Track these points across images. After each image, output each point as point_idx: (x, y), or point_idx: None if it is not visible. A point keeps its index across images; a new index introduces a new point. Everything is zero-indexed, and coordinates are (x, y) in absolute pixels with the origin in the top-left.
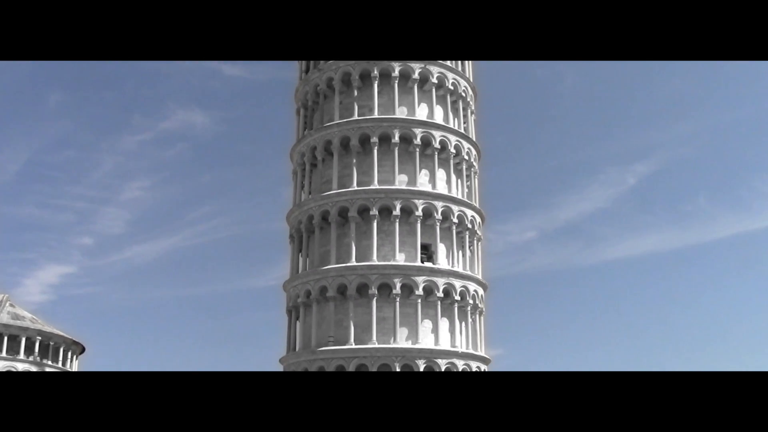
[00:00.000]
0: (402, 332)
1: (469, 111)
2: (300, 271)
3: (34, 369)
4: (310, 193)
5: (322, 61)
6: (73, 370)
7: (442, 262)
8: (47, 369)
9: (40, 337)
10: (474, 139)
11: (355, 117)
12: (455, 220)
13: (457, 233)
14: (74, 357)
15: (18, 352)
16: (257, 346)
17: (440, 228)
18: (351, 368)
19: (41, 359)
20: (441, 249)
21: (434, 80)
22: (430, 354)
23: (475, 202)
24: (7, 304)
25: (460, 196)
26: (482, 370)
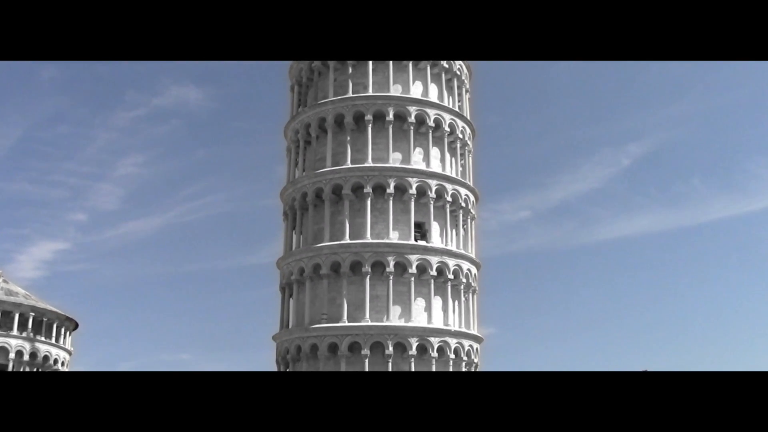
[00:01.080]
0: (395, 310)
1: (464, 89)
2: (293, 248)
3: (27, 345)
4: (304, 170)
5: None
6: (73, 371)
7: (435, 240)
8: (40, 345)
9: (33, 313)
10: (469, 118)
11: (350, 94)
12: (449, 198)
13: (451, 212)
14: (68, 333)
15: (11, 328)
16: (250, 323)
17: (434, 206)
18: (344, 346)
19: (34, 335)
20: (435, 227)
21: None
22: (423, 332)
23: (470, 180)
24: (0, 280)
25: (454, 175)
26: (475, 348)
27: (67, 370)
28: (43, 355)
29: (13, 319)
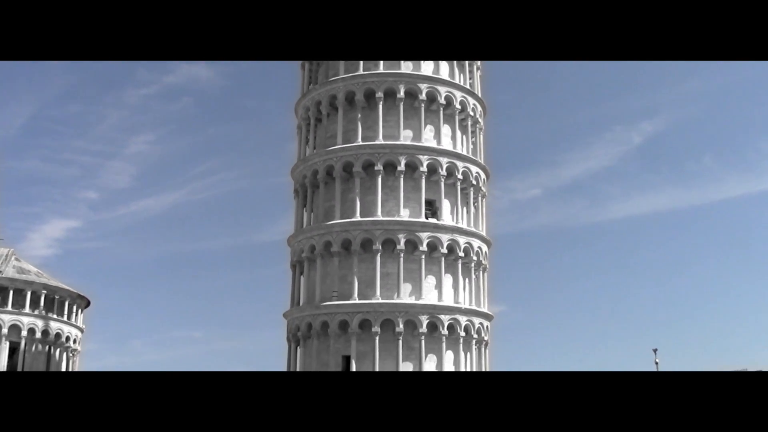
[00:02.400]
0: (405, 288)
1: (474, 67)
2: (304, 226)
3: (39, 323)
4: (314, 147)
5: None
6: (74, 371)
7: (446, 218)
8: (52, 322)
9: (45, 291)
10: (480, 95)
11: (361, 72)
12: (460, 176)
13: (462, 189)
14: (79, 311)
15: (23, 306)
16: (261, 301)
17: (445, 184)
18: (354, 323)
19: (46, 313)
20: (445, 205)
21: None
22: (433, 310)
23: (480, 158)
24: (13, 258)
25: (465, 153)
26: (485, 326)
27: (78, 347)
28: (55, 332)
29: (25, 297)
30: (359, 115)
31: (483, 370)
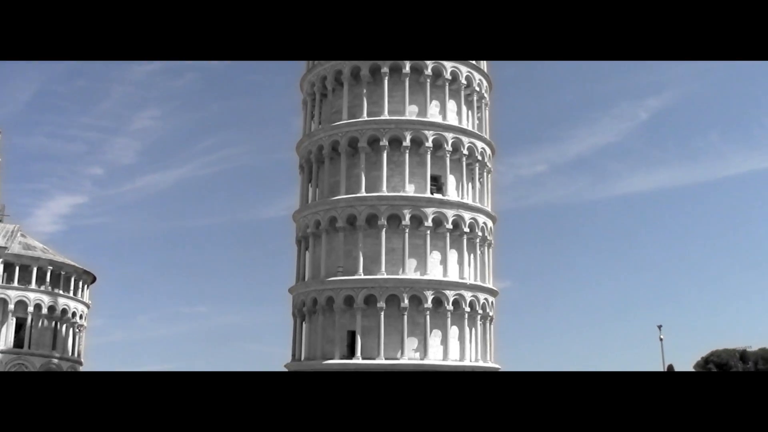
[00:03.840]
0: (411, 263)
1: None
2: (310, 201)
3: (46, 298)
4: (320, 123)
5: None
6: (74, 371)
7: (451, 193)
8: (58, 298)
9: (51, 267)
10: (485, 71)
11: None
12: (465, 151)
13: (467, 165)
14: (85, 286)
15: (30, 282)
16: (266, 276)
17: (450, 159)
18: (360, 298)
19: (53, 289)
20: (450, 180)
21: None
22: (438, 285)
23: (486, 134)
24: (19, 234)
25: (470, 128)
26: (490, 301)
27: (85, 323)
28: (61, 308)
29: (31, 273)
30: (365, 91)
31: (488, 345)
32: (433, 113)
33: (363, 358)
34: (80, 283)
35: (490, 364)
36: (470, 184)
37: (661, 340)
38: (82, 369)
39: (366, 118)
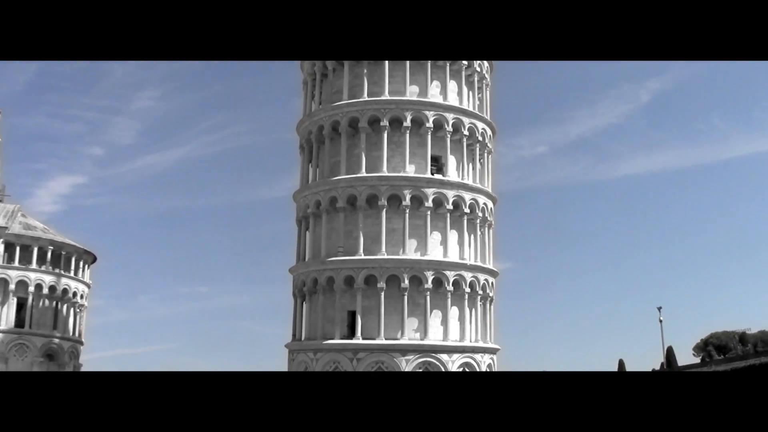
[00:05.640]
0: (411, 244)
1: None
2: (310, 181)
3: (46, 278)
4: (320, 103)
5: None
6: (75, 371)
7: (452, 174)
8: (60, 278)
9: (52, 247)
10: None
11: None
12: (466, 132)
13: (468, 146)
14: (86, 266)
15: (30, 262)
16: (267, 256)
17: (451, 140)
18: (360, 278)
19: (53, 269)
20: (451, 161)
21: None
22: (438, 266)
23: (487, 114)
24: (19, 214)
25: (471, 109)
26: (490, 282)
27: (85, 302)
28: (62, 288)
29: (32, 252)
30: (365, 70)
31: (488, 325)
32: (434, 94)
33: (363, 338)
34: (81, 263)
35: (490, 344)
36: (471, 165)
37: (660, 321)
38: (82, 348)
39: (366, 99)
